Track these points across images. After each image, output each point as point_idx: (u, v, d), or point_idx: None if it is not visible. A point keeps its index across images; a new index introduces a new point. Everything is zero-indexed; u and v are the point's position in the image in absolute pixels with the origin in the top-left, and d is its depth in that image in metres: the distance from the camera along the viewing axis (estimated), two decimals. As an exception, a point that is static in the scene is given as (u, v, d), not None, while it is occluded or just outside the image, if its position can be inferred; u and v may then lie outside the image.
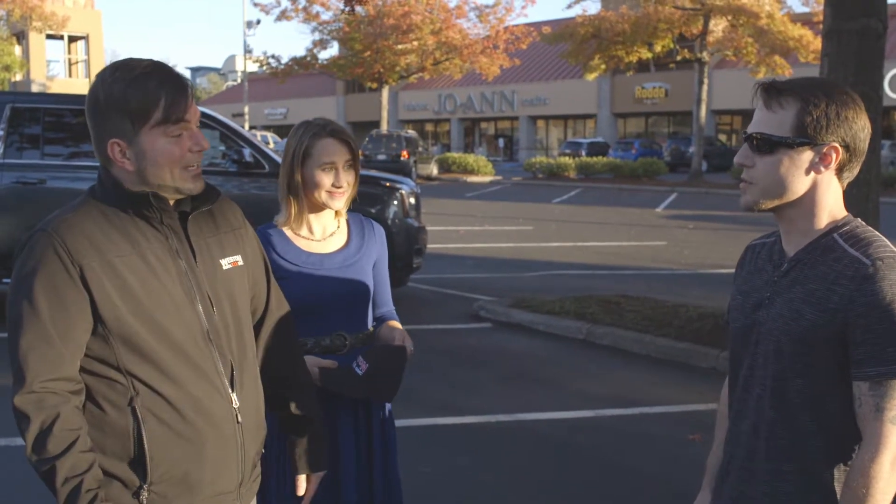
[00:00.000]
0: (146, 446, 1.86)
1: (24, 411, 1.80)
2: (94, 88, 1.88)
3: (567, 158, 37.14)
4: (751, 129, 1.85)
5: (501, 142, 56.17)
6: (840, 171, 1.83)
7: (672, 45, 32.06)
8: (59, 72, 48.93)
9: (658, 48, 31.84)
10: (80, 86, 46.33)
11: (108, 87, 1.85)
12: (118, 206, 1.91)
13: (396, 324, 2.90)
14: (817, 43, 24.36)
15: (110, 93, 1.85)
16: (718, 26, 31.27)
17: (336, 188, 2.70)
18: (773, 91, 1.82)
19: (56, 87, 43.97)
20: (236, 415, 1.99)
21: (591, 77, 34.56)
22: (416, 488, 4.42)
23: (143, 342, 1.87)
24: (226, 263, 2.05)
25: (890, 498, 1.72)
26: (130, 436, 1.87)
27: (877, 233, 1.83)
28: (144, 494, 1.87)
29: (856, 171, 1.85)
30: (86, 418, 1.85)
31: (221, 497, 2.01)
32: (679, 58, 32.82)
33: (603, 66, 33.02)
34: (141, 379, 1.87)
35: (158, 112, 1.85)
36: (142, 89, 1.84)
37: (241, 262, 2.09)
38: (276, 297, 2.27)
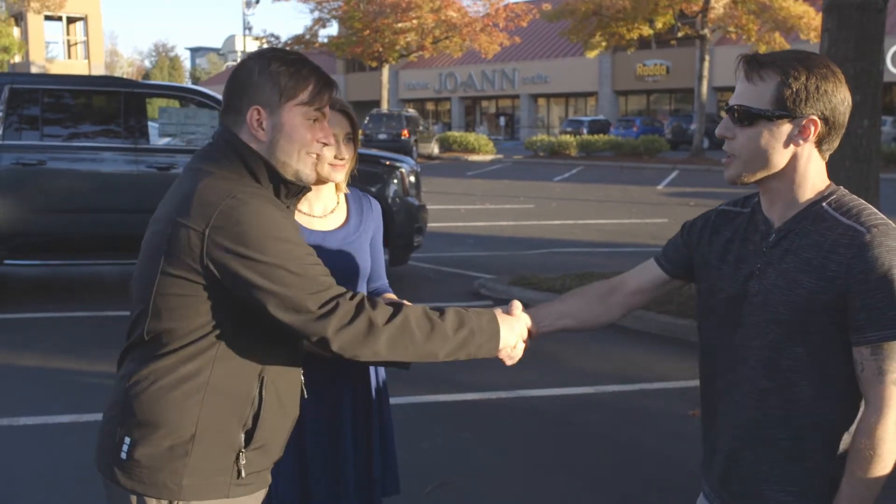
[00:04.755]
0: (262, 415, 1.95)
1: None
2: (249, 62, 2.01)
3: (568, 136, 37.04)
4: (732, 101, 1.87)
5: (502, 120, 56.05)
6: (819, 144, 1.85)
7: (673, 22, 31.89)
8: (57, 53, 48.84)
9: (659, 25, 31.68)
10: (79, 67, 46.21)
11: (266, 63, 1.99)
12: (262, 183, 1.98)
13: (393, 296, 2.92)
14: (819, 20, 24.25)
15: (266, 67, 1.98)
16: (720, 2, 31.13)
17: (338, 160, 2.72)
18: (754, 63, 1.84)
19: (55, 69, 43.87)
20: (302, 386, 2.13)
21: (591, 55, 34.46)
22: (417, 464, 4.45)
23: None
24: None
25: None
26: (251, 403, 1.94)
27: (861, 200, 1.87)
28: (242, 461, 1.95)
29: (835, 143, 1.87)
30: (214, 380, 1.90)
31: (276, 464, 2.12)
32: (680, 34, 32.72)
33: (604, 44, 32.90)
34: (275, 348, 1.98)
35: (305, 94, 1.98)
36: (297, 71, 1.99)
37: None
38: None
